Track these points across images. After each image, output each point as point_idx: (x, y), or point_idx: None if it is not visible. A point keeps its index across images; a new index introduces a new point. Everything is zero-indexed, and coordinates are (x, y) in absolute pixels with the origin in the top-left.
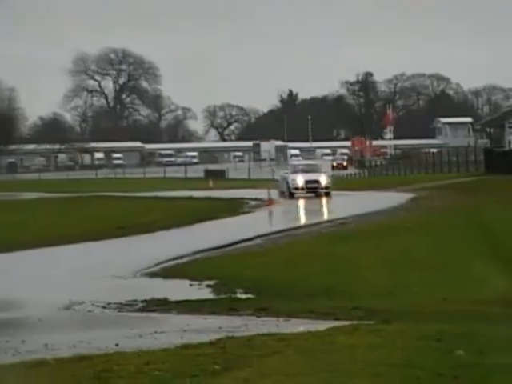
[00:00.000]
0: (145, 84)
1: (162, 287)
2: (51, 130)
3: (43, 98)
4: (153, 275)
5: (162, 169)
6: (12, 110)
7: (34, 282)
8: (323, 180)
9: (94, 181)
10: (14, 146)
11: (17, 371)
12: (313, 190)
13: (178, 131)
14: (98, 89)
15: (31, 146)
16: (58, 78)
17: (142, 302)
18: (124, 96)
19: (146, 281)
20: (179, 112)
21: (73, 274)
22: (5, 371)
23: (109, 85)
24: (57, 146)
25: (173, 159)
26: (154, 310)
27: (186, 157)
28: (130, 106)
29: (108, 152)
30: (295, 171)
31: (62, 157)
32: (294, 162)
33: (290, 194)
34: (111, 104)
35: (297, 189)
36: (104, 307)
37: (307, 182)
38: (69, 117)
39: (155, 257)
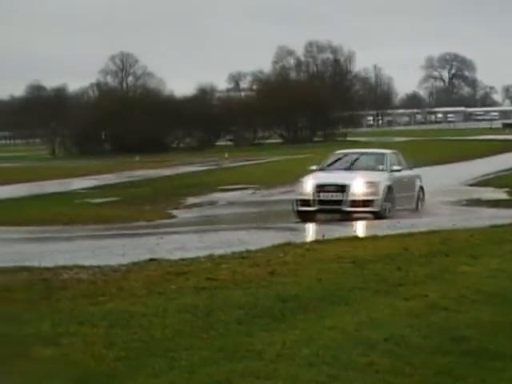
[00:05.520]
0: None
1: (477, 192)
2: None
3: None
4: (471, 185)
5: None
6: None
7: None
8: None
9: None
10: None
11: None
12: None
13: None
14: None
15: None
16: None
17: (466, 200)
18: None
19: (467, 188)
20: None
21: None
22: None
23: None
24: None
25: None
26: (471, 205)
27: None
28: None
29: None
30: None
31: None
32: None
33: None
34: None
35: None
36: (441, 203)
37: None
38: None
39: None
